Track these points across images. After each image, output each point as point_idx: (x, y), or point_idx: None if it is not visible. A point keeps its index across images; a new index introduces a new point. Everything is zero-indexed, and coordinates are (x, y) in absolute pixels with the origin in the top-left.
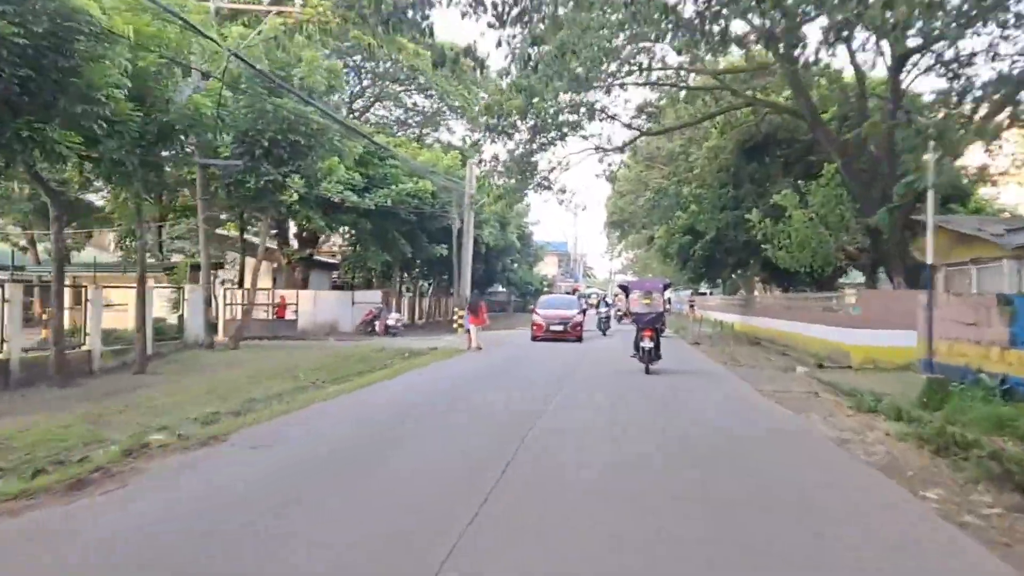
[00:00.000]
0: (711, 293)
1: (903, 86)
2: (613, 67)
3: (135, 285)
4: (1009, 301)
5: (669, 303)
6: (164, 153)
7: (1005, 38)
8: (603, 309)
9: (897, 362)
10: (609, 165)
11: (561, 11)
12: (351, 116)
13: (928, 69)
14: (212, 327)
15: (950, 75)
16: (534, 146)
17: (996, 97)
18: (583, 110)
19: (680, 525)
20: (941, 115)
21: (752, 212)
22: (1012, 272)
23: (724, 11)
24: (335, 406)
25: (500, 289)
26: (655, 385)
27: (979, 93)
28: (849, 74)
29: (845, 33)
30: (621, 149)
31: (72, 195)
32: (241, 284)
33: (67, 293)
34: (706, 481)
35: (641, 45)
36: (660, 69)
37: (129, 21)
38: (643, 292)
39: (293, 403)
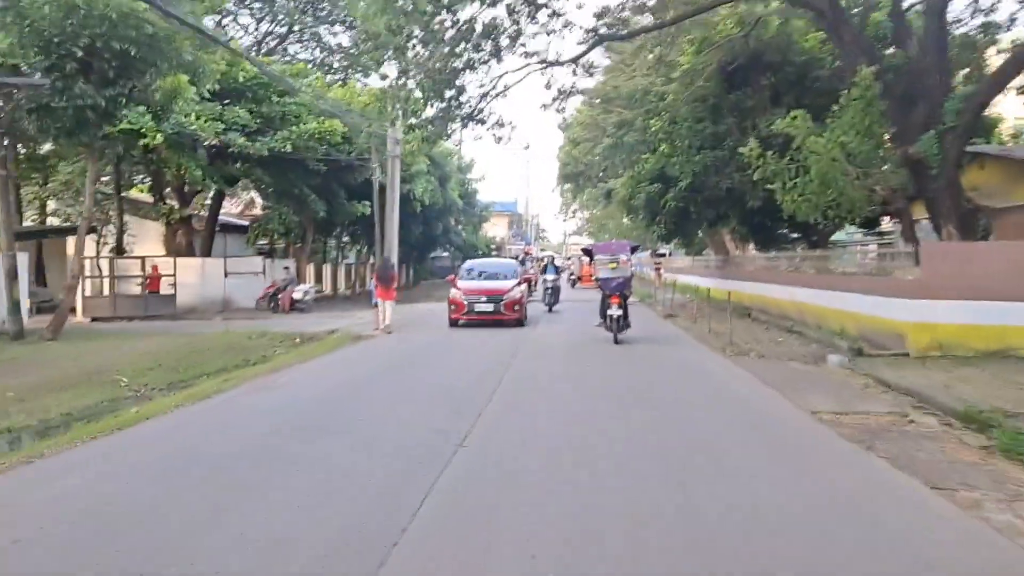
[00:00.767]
0: (670, 254)
1: None
2: None
3: None
4: None
5: (635, 266)
6: None
7: None
8: (549, 276)
9: (978, 347)
10: (560, 101)
11: None
12: (260, 55)
13: None
14: (41, 308)
15: None
16: (458, 63)
17: None
18: (523, 6)
19: None
20: None
21: (749, 144)
22: None
23: None
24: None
25: (443, 254)
26: (630, 366)
27: None
28: None
29: None
30: (575, 62)
31: None
32: (119, 251)
33: None
34: None
35: None
36: None
37: None
38: (609, 256)
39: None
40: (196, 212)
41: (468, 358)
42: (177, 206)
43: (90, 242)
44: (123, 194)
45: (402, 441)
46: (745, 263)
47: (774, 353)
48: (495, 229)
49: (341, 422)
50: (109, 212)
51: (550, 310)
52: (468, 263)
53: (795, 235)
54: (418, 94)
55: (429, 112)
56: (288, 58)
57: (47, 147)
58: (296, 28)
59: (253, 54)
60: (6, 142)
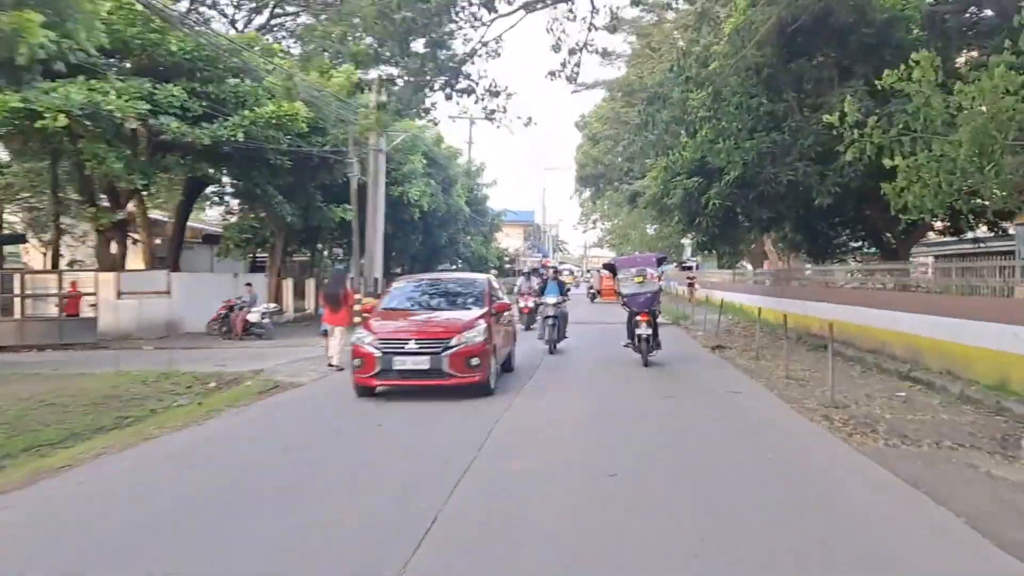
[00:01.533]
0: (697, 267)
1: None
2: None
3: None
4: None
5: (664, 281)
6: None
7: None
8: (550, 300)
9: None
10: (572, 64)
11: None
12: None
13: None
14: None
15: None
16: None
17: None
18: None
19: None
20: None
21: (845, 104)
22: None
23: None
24: None
25: (450, 267)
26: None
27: None
28: None
29: None
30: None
31: None
32: (55, 264)
33: None
34: None
35: None
36: None
37: None
38: (635, 270)
39: None
40: (130, 216)
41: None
42: (131, 209)
43: (36, 252)
44: (60, 195)
45: None
46: (812, 279)
47: (914, 427)
48: (509, 240)
49: None
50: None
51: (552, 350)
52: (401, 281)
53: (858, 243)
54: (369, 40)
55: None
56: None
57: None
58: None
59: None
60: None
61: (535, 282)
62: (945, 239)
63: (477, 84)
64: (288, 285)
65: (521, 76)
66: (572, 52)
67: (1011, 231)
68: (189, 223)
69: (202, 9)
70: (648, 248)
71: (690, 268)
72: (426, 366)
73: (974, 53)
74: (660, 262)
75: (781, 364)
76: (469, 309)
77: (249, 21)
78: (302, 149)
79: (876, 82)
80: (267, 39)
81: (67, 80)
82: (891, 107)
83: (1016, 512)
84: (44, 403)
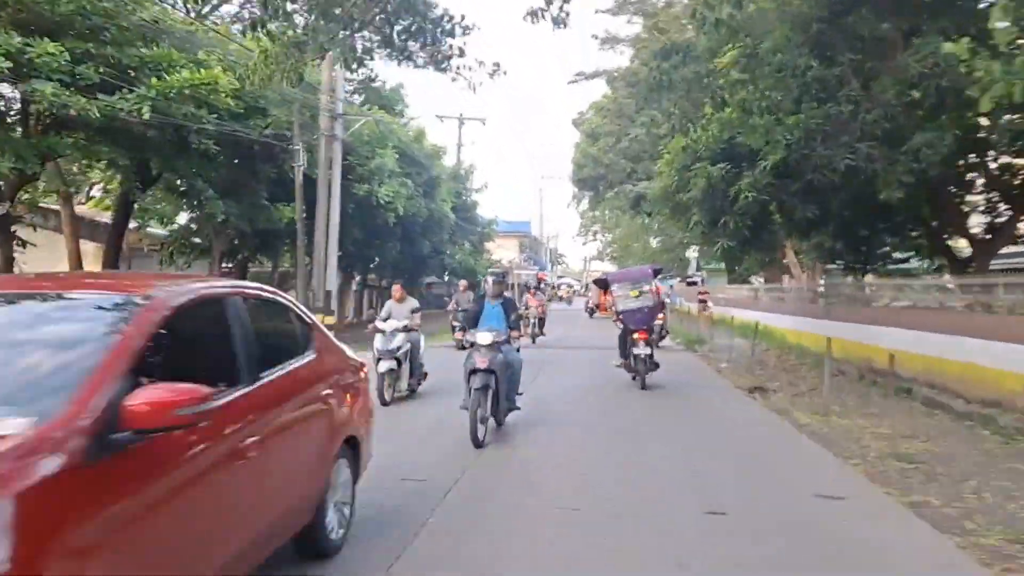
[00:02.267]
0: (703, 282)
1: None
2: None
3: None
4: None
5: (669, 297)
6: None
7: None
8: (482, 337)
9: None
10: (561, 20)
11: None
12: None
13: None
14: None
15: None
16: None
17: None
18: None
19: None
20: None
21: (959, 45)
22: None
23: None
24: None
25: (434, 279)
26: None
27: None
28: None
29: None
30: None
31: None
32: None
33: None
34: None
35: None
36: None
37: None
38: (630, 283)
39: None
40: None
41: None
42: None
43: None
44: None
45: None
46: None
47: None
48: (503, 252)
49: None
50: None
51: (479, 443)
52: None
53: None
54: None
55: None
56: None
57: None
58: None
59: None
60: None
61: (468, 297)
62: None
63: (426, 30)
64: None
65: (515, 70)
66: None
67: None
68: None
69: None
70: (652, 261)
71: (696, 283)
72: None
73: None
74: (656, 274)
75: (864, 424)
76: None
77: None
78: (237, 133)
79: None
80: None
81: None
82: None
83: None
84: None
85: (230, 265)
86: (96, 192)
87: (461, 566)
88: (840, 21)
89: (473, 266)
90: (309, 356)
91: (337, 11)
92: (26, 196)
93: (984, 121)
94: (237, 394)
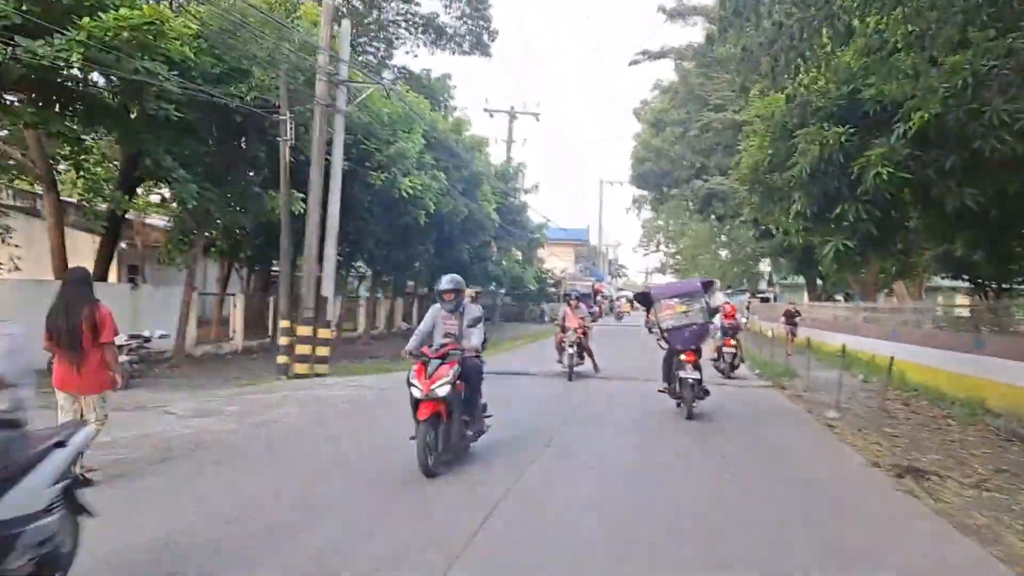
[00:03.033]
0: (775, 298)
1: None
2: None
3: None
4: None
5: (747, 317)
6: None
7: None
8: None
9: None
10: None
11: None
12: None
13: None
14: None
15: None
16: None
17: None
18: None
19: None
20: None
21: None
22: None
23: None
24: None
25: (479, 289)
26: None
27: None
28: None
29: None
30: None
31: None
32: None
33: None
34: None
35: None
36: None
37: None
38: (679, 298)
39: None
40: None
41: None
42: None
43: None
44: None
45: None
46: None
47: None
48: (555, 261)
49: None
50: None
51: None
52: None
53: None
54: None
55: None
56: None
57: None
58: None
59: None
60: None
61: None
62: None
63: None
64: (238, 304)
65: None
66: None
67: None
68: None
69: None
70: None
71: (768, 299)
72: None
73: None
74: (707, 288)
75: None
76: None
77: None
78: (209, 96)
79: None
80: None
81: None
82: None
83: None
84: None
85: (256, 268)
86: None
87: None
88: None
89: (520, 275)
90: None
91: None
92: None
93: None
94: None
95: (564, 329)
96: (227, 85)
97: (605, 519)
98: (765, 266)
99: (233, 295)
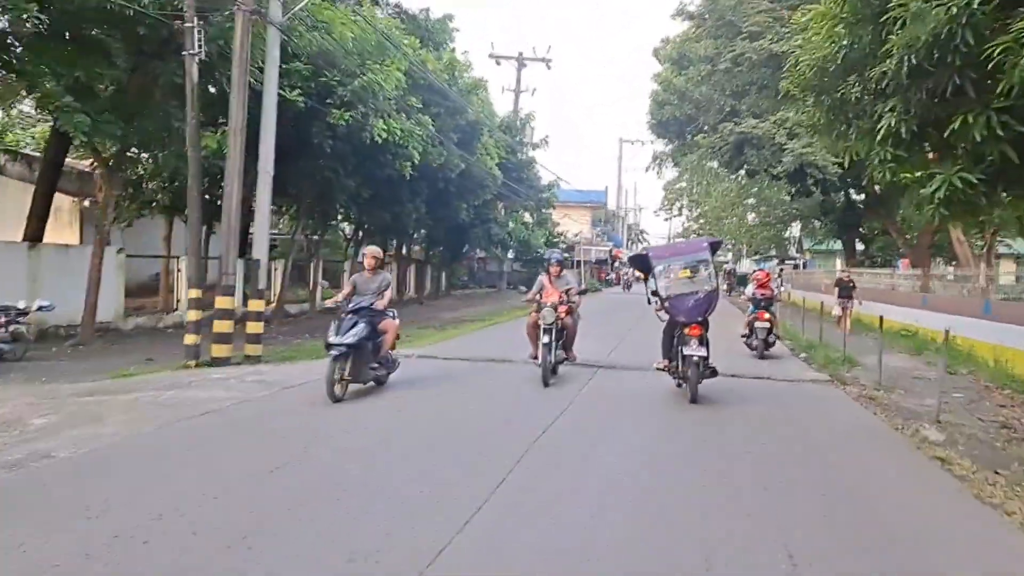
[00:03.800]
0: (805, 265)
1: None
2: None
3: None
4: None
5: (780, 285)
6: None
7: None
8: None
9: None
10: None
11: None
12: None
13: None
14: None
15: None
16: None
17: None
18: None
19: None
20: None
21: None
22: None
23: None
24: None
25: (479, 254)
26: None
27: None
28: None
29: None
30: None
31: None
32: None
33: None
34: None
35: None
36: None
37: None
38: (680, 261)
39: None
40: None
41: None
42: None
43: None
44: None
45: None
46: None
47: None
48: (571, 224)
49: None
50: None
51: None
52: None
53: None
54: None
55: None
56: None
57: None
58: None
59: None
60: None
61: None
62: None
63: None
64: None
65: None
66: None
67: None
68: None
69: None
70: (752, 243)
71: (797, 267)
72: None
73: None
74: (714, 249)
75: None
76: None
77: None
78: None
79: None
80: None
81: None
82: None
83: None
84: None
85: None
86: None
87: None
88: None
89: (528, 239)
90: None
91: None
92: None
93: None
94: None
95: (540, 307)
96: None
97: None
98: (794, 231)
99: (178, 257)
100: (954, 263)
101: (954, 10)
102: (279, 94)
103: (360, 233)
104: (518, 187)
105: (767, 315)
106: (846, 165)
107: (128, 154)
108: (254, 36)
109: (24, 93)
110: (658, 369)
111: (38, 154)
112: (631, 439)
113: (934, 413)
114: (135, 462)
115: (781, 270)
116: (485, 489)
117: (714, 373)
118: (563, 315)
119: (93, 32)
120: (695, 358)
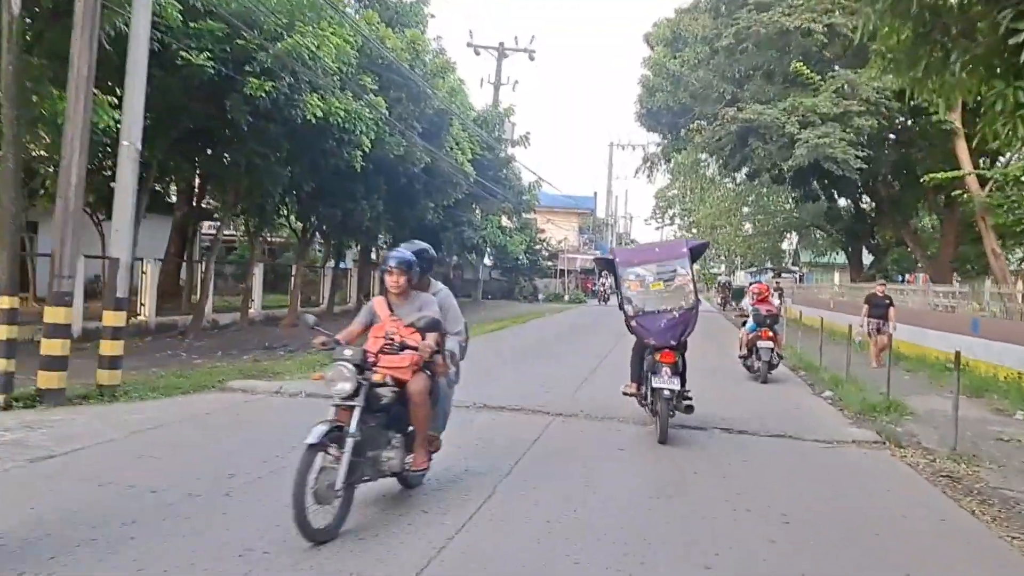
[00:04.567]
0: (801, 279)
1: None
2: None
3: None
4: None
5: (781, 299)
6: None
7: None
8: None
9: None
10: None
11: None
12: None
13: None
14: None
15: None
16: None
17: None
18: None
19: None
20: None
21: None
22: None
23: None
24: None
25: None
26: None
27: None
28: None
29: None
30: None
31: None
32: None
33: None
34: None
35: None
36: None
37: None
38: (653, 269)
39: None
40: None
41: None
42: None
43: None
44: None
45: None
46: None
47: None
48: (556, 230)
49: None
50: None
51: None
52: None
53: None
54: None
55: None
56: None
57: None
58: None
59: None
60: None
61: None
62: None
63: None
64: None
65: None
66: None
67: None
68: None
69: None
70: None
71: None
72: None
73: None
74: (696, 254)
75: None
76: None
77: None
78: None
79: None
80: None
81: None
82: None
83: None
84: None
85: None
86: None
87: None
88: None
89: (506, 243)
90: None
91: None
92: None
93: None
94: None
95: (335, 360)
96: None
97: None
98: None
99: (142, 260)
100: (990, 277)
101: None
102: (183, 56)
103: (308, 234)
104: (495, 188)
105: (770, 333)
106: (942, 114)
107: None
108: None
109: None
110: (625, 394)
111: None
112: None
113: None
114: None
115: (778, 283)
116: None
117: (690, 409)
118: (400, 373)
119: None
120: (666, 392)
